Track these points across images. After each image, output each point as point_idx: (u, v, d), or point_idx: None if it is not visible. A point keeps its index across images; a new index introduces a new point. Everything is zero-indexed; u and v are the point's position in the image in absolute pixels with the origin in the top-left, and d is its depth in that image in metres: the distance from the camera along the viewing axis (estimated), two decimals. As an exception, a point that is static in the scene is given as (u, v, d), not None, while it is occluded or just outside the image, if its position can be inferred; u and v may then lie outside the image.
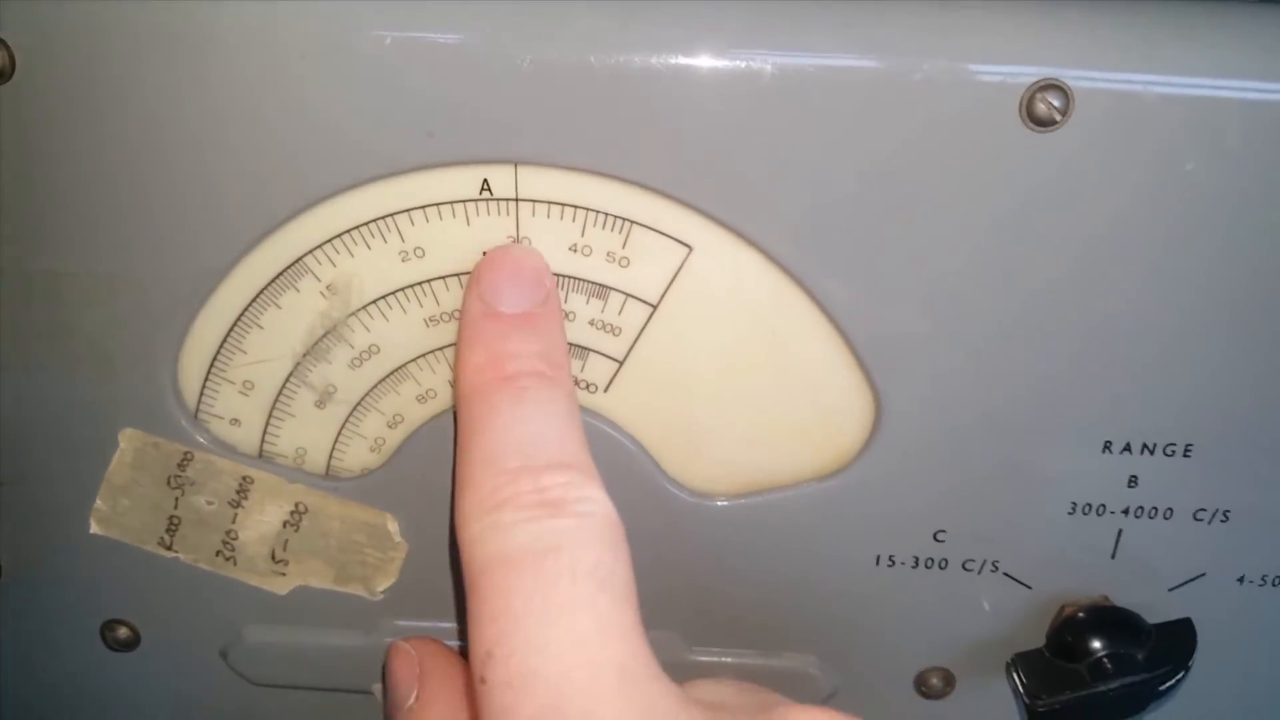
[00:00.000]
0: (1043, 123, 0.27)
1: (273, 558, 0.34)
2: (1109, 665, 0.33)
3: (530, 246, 0.30)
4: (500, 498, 0.25)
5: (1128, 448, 0.32)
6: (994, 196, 0.28)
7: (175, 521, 0.34)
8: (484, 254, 0.30)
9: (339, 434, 0.33)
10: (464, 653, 0.35)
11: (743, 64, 0.27)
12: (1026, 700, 0.34)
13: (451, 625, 0.35)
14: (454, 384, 0.28)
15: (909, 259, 0.29)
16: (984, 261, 0.29)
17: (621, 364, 0.32)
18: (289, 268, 0.30)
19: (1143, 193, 0.28)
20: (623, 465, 0.32)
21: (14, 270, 0.31)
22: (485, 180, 0.29)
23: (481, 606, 0.24)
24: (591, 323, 0.31)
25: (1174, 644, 0.34)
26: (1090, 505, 0.33)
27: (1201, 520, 0.33)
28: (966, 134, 0.28)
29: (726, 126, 0.28)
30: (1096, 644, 0.34)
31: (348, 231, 0.30)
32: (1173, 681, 0.34)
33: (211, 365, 0.32)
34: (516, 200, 0.29)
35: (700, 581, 0.34)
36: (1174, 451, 0.32)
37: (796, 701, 0.35)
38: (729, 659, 0.36)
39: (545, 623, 0.24)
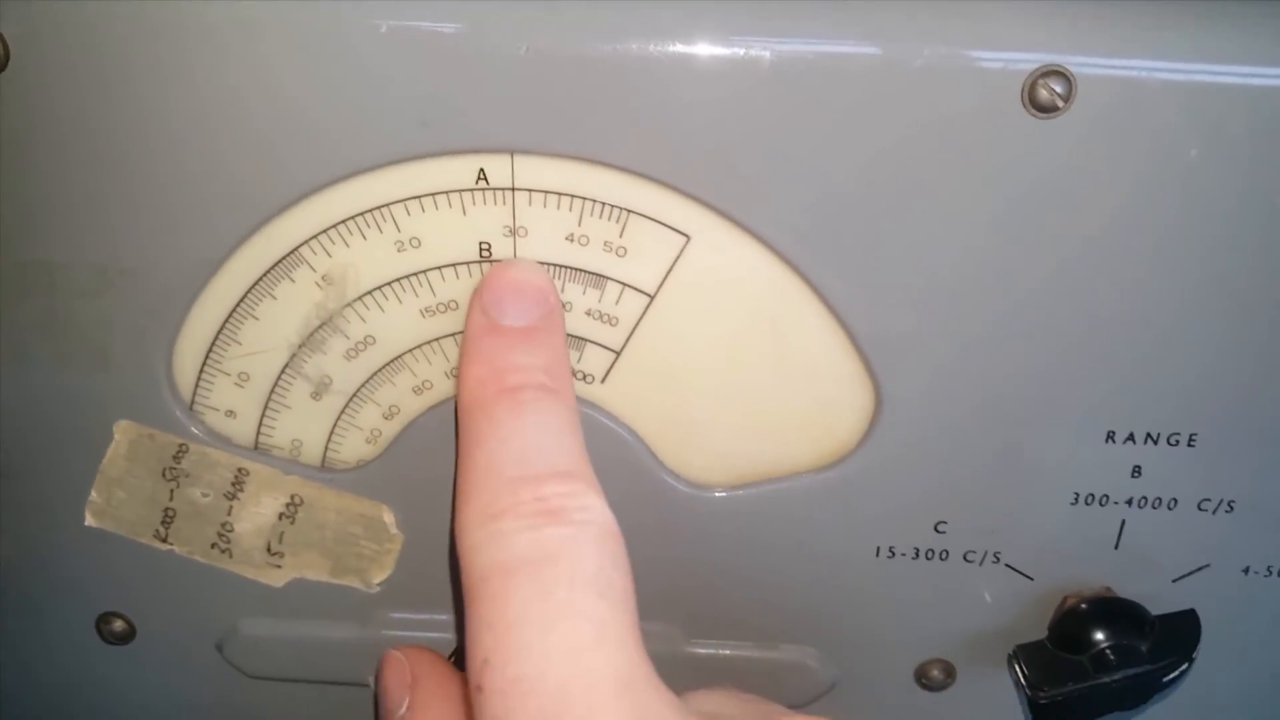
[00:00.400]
0: (1045, 109, 0.27)
1: (268, 550, 0.34)
2: (1112, 657, 0.33)
3: (533, 262, 0.30)
4: (500, 507, 0.25)
5: (1131, 438, 0.32)
6: (995, 183, 0.28)
7: (170, 514, 0.34)
8: (489, 268, 0.30)
9: (335, 425, 0.33)
10: (457, 659, 0.34)
11: (741, 51, 0.27)
12: (1029, 692, 0.34)
13: (447, 617, 0.35)
14: (456, 396, 0.28)
15: (909, 246, 0.29)
16: (984, 248, 0.29)
17: (618, 354, 0.31)
18: (284, 258, 0.30)
19: (1145, 179, 0.28)
20: (619, 456, 0.32)
21: (8, 262, 0.30)
22: (481, 169, 0.29)
23: (479, 614, 0.24)
24: (588, 313, 0.31)
25: (1178, 635, 0.34)
26: (1093, 496, 0.33)
27: (1205, 511, 0.33)
28: (968, 121, 0.27)
29: (725, 114, 0.28)
30: (1099, 635, 0.33)
31: (343, 222, 0.30)
32: (1176, 673, 0.33)
33: (207, 357, 0.32)
34: (513, 189, 0.29)
35: (698, 573, 0.34)
36: (1178, 441, 0.32)
37: (796, 698, 0.35)
38: (727, 651, 0.36)
39: (543, 630, 0.24)
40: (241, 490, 0.33)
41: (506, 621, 0.24)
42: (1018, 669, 0.34)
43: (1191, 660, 0.34)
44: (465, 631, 0.25)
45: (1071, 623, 0.34)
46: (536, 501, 0.25)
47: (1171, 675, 0.33)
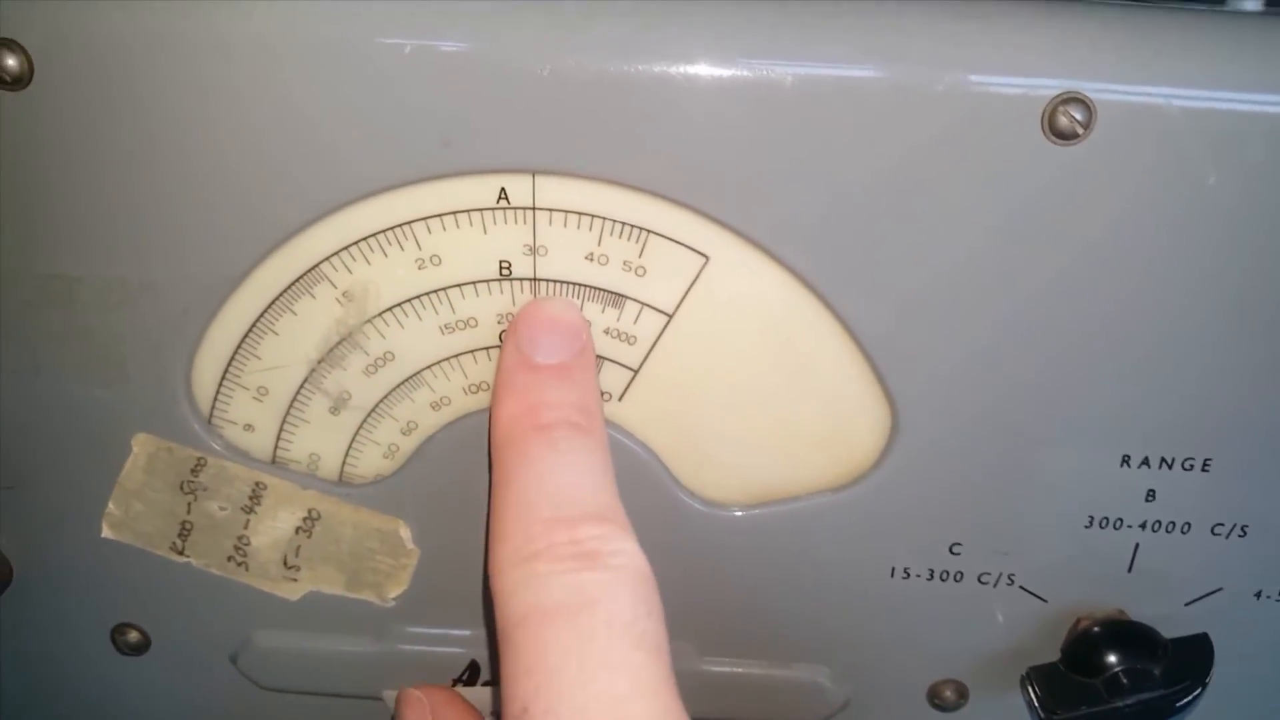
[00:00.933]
0: (1064, 135, 0.27)
1: (285, 563, 0.34)
2: (1125, 680, 0.33)
3: (567, 300, 0.30)
4: (534, 549, 0.25)
5: (1146, 461, 0.32)
6: (1014, 208, 0.28)
7: (187, 527, 0.34)
8: (523, 305, 0.30)
9: (352, 440, 0.33)
10: (470, 675, 0.34)
11: (763, 74, 0.27)
12: (1041, 714, 0.34)
13: (462, 632, 0.35)
14: (490, 433, 0.29)
15: (928, 270, 0.29)
16: (1003, 273, 0.29)
17: (636, 373, 0.31)
18: (305, 274, 0.30)
19: (1164, 206, 0.28)
20: (636, 474, 0.32)
21: (29, 274, 0.30)
22: (503, 189, 0.29)
23: (516, 660, 0.24)
24: (607, 331, 0.31)
25: (1191, 659, 0.34)
26: (1107, 519, 0.33)
27: (1219, 534, 0.33)
28: (987, 146, 0.27)
29: (745, 136, 0.28)
30: (1112, 658, 0.33)
31: (365, 239, 0.30)
32: (1190, 697, 0.33)
33: (226, 371, 0.32)
34: (534, 209, 0.29)
35: (712, 591, 0.34)
36: (1192, 465, 0.32)
37: (809, 717, 0.35)
38: (740, 669, 0.36)
39: (583, 679, 0.23)
40: (259, 504, 0.33)
41: (545, 669, 0.24)
42: (1031, 691, 0.34)
43: (1205, 684, 0.33)
44: (500, 674, 0.25)
45: (1084, 645, 0.34)
46: (571, 544, 0.25)
47: (1185, 700, 0.33)
